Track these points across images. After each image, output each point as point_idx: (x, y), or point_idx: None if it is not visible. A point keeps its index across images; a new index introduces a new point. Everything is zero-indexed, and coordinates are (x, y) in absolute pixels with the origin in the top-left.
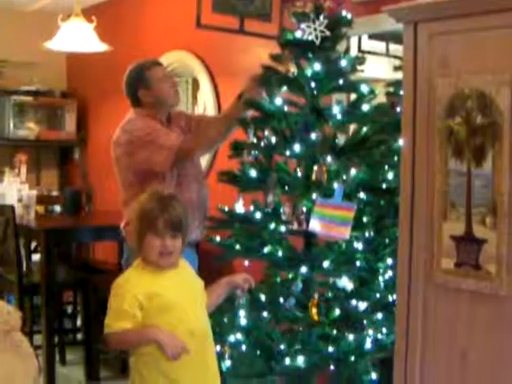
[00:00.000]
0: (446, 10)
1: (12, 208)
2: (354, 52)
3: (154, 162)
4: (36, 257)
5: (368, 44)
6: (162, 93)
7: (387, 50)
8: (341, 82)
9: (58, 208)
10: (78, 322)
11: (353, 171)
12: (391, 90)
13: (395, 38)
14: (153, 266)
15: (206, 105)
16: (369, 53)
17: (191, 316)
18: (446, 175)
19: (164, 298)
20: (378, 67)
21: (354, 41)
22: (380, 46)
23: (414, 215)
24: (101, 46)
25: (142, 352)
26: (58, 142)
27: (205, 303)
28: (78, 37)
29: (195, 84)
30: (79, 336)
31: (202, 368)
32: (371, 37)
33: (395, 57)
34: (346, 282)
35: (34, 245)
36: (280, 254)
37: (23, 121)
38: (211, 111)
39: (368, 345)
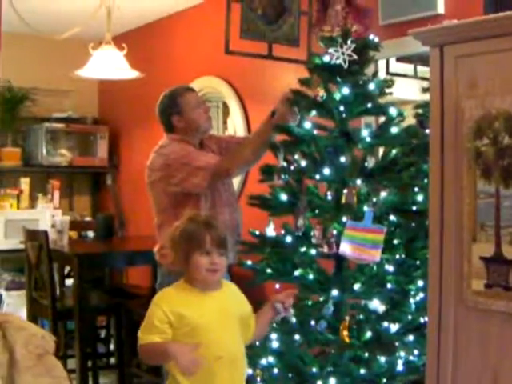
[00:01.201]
0: (472, 31)
1: (45, 233)
2: (382, 75)
3: (191, 183)
4: (69, 282)
5: (396, 66)
6: (194, 118)
7: (415, 71)
8: (369, 105)
9: (90, 233)
10: (112, 347)
11: (382, 194)
12: (420, 111)
13: (423, 59)
14: (196, 285)
15: (236, 129)
16: (397, 75)
17: (220, 341)
18: (475, 196)
19: (192, 321)
20: (407, 89)
21: (382, 63)
22: (408, 68)
23: (443, 237)
24: (132, 73)
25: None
26: (91, 168)
27: (249, 328)
28: (109, 64)
29: (225, 109)
30: (112, 360)
31: None
32: (399, 59)
33: (423, 78)
34: (377, 305)
35: (67, 270)
36: (311, 277)
37: (56, 147)
38: (242, 135)
39: (400, 367)
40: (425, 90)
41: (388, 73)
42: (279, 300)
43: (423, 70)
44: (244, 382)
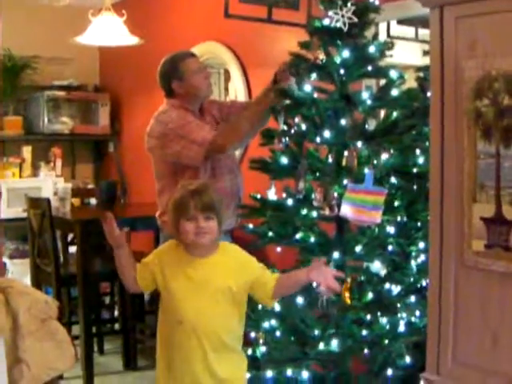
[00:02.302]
0: None
1: (48, 201)
2: (382, 38)
3: (184, 156)
4: (73, 249)
5: (397, 29)
6: (195, 84)
7: (416, 34)
8: (370, 68)
9: (93, 200)
10: (116, 313)
11: (383, 156)
12: (421, 75)
13: (424, 22)
14: (187, 249)
15: (237, 94)
16: (398, 38)
17: (183, 307)
18: (475, 157)
19: (165, 281)
20: (409, 53)
21: (382, 27)
22: (409, 31)
23: (444, 198)
24: (132, 39)
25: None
26: (93, 136)
27: (262, 288)
28: (108, 31)
29: (226, 75)
30: (117, 326)
31: (187, 360)
32: (400, 22)
33: (424, 41)
34: (378, 267)
35: (70, 237)
36: (312, 239)
37: (57, 115)
38: (243, 100)
39: (401, 328)
40: (426, 53)
41: (389, 36)
42: (319, 281)
43: (425, 33)
44: (211, 353)
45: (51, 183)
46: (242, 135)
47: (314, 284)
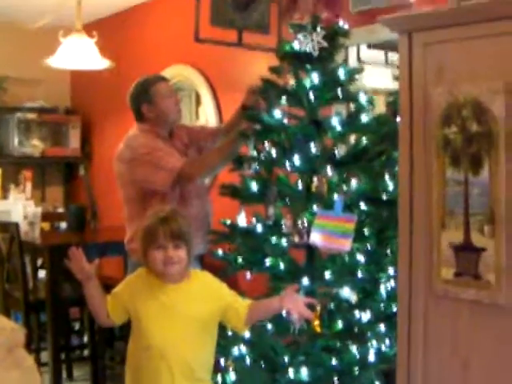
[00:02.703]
0: (440, 19)
1: (16, 225)
2: (353, 62)
3: (152, 181)
4: (42, 273)
5: (367, 53)
6: (164, 109)
7: (386, 59)
8: (339, 92)
9: (63, 224)
10: (85, 339)
11: (353, 182)
12: (391, 99)
13: (394, 47)
14: (157, 277)
15: (207, 118)
16: (368, 63)
17: (152, 332)
18: (444, 184)
19: (136, 307)
20: (379, 77)
21: (353, 51)
22: (379, 55)
23: (413, 225)
24: (103, 63)
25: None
26: (63, 159)
27: (234, 315)
28: (79, 53)
29: (198, 98)
30: (86, 352)
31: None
32: (370, 46)
33: (394, 65)
34: (348, 293)
35: (40, 261)
36: (282, 266)
37: (28, 138)
38: (213, 124)
39: (371, 356)
40: (396, 78)
41: (359, 60)
42: (291, 310)
43: (394, 58)
44: (180, 379)
45: (21, 207)
46: (212, 167)
47: (284, 312)
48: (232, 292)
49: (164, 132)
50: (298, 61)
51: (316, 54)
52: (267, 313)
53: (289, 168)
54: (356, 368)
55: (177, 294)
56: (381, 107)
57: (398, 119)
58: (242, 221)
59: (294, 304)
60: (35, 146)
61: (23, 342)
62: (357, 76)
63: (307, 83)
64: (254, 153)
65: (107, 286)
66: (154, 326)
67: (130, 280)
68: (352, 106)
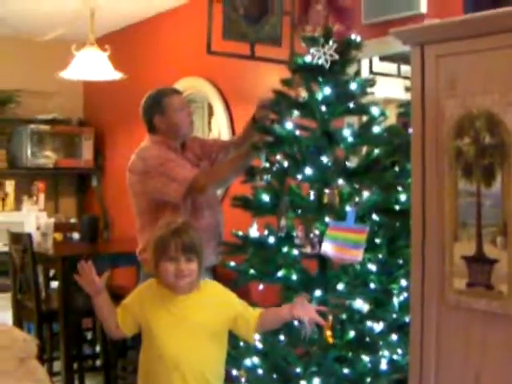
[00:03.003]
0: (452, 31)
1: (29, 236)
2: (365, 74)
3: (164, 193)
4: (55, 284)
5: (380, 65)
6: (176, 121)
7: (399, 71)
8: (351, 104)
9: (76, 235)
10: (97, 348)
11: (365, 193)
12: (401, 110)
13: (406, 59)
14: (168, 288)
15: (220, 129)
16: (380, 74)
17: (164, 342)
18: (456, 196)
19: (148, 318)
20: (392, 88)
21: (365, 63)
22: (392, 67)
23: (425, 236)
24: (115, 75)
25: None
26: (76, 170)
27: (245, 324)
28: (92, 66)
29: (210, 109)
30: (98, 362)
31: None
32: (382, 58)
33: (406, 77)
34: (360, 304)
35: (52, 272)
36: (294, 277)
37: (41, 149)
38: (225, 136)
39: (384, 366)
40: (408, 89)
41: (371, 72)
42: (303, 316)
43: (407, 70)
44: None
45: (34, 218)
46: (224, 178)
47: (296, 321)
48: (242, 301)
49: (176, 144)
50: (310, 73)
51: (328, 66)
52: (277, 321)
53: (301, 179)
54: (368, 378)
55: (187, 304)
56: (393, 118)
57: (410, 130)
58: (254, 232)
59: (305, 311)
60: (48, 157)
61: (35, 353)
62: (369, 89)
63: (319, 96)
64: (267, 164)
65: (119, 296)
66: (165, 336)
67: (140, 291)
68: (364, 117)
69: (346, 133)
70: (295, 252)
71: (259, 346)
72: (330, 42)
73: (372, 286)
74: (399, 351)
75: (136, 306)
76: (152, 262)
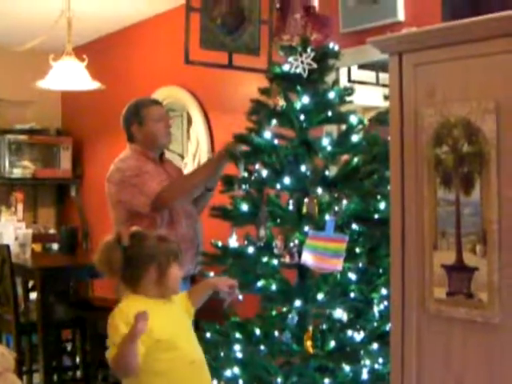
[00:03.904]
0: (430, 39)
1: (7, 247)
2: (344, 82)
3: (134, 204)
4: (34, 295)
5: (358, 74)
6: (153, 131)
7: (377, 79)
8: (329, 113)
9: (55, 246)
10: (78, 360)
11: (344, 202)
12: (373, 116)
13: (385, 67)
14: (154, 297)
15: (198, 139)
16: (359, 83)
17: (189, 346)
18: (435, 204)
19: (162, 333)
20: (370, 96)
21: (343, 71)
22: (370, 75)
23: (405, 245)
24: (93, 85)
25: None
26: (54, 180)
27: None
28: (70, 75)
29: (189, 118)
30: (79, 373)
31: None
32: (361, 67)
33: (385, 85)
34: (340, 314)
35: (31, 283)
36: (274, 287)
37: (19, 159)
38: (204, 145)
39: (365, 376)
40: (386, 98)
41: (350, 80)
42: (220, 287)
43: (385, 77)
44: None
45: (12, 229)
46: (186, 192)
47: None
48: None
49: (154, 154)
50: (288, 82)
51: (306, 75)
52: (203, 289)
53: (279, 189)
54: None
55: (173, 307)
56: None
57: (389, 138)
58: (233, 242)
59: (218, 280)
60: (26, 167)
61: (13, 366)
62: (347, 97)
63: (297, 105)
64: (245, 174)
65: (100, 307)
66: (185, 342)
67: (127, 319)
68: (343, 126)
69: (325, 142)
70: (275, 262)
71: (239, 356)
72: (308, 51)
73: (352, 295)
74: (380, 360)
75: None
76: (157, 270)
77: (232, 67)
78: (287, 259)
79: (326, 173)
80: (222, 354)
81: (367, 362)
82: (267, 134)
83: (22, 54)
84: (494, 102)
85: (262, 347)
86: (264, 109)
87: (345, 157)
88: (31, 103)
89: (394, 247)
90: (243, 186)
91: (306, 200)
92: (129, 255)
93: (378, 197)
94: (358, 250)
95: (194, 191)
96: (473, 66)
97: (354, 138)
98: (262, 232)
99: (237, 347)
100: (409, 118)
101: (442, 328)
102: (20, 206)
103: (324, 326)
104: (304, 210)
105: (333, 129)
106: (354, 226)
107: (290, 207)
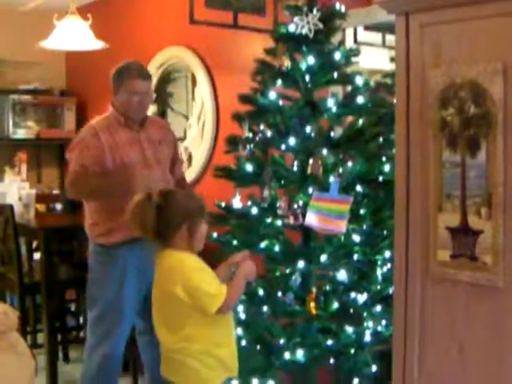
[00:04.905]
0: (437, 0)
1: (11, 207)
2: (350, 43)
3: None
4: (38, 255)
5: (364, 35)
6: (123, 102)
7: (383, 40)
8: (335, 74)
9: (59, 206)
10: (81, 320)
11: (349, 164)
12: (388, 80)
13: (391, 28)
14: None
15: (203, 99)
16: (365, 44)
17: None
18: (441, 166)
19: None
20: (376, 58)
21: (349, 32)
22: (376, 37)
23: (409, 207)
24: (97, 44)
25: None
26: (58, 140)
27: None
28: (73, 35)
29: (193, 80)
30: (82, 333)
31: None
32: (367, 28)
33: (391, 47)
34: (344, 275)
35: (35, 243)
36: (277, 248)
37: (23, 120)
38: (209, 106)
39: (367, 337)
40: (393, 60)
41: (356, 42)
42: (236, 261)
43: (392, 39)
44: None
45: (16, 189)
46: (86, 192)
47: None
48: None
49: (129, 121)
50: (294, 43)
51: (312, 35)
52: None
53: (284, 149)
54: (352, 349)
55: None
56: None
57: (395, 101)
58: (237, 203)
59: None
60: (30, 127)
61: (16, 325)
62: (353, 59)
63: (303, 65)
64: (249, 134)
65: None
66: None
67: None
68: (348, 87)
69: (330, 103)
70: (278, 223)
71: (242, 317)
72: (314, 11)
73: (356, 257)
74: (383, 322)
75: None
76: (188, 223)
77: (237, 27)
78: (291, 220)
79: (331, 134)
80: None
81: (370, 323)
82: (272, 95)
83: (26, 13)
84: (502, 64)
85: (265, 308)
86: (269, 69)
87: (350, 118)
88: (35, 64)
89: (398, 209)
90: (247, 147)
91: (310, 161)
92: (161, 213)
93: (383, 159)
94: (362, 211)
95: (86, 197)
96: (480, 27)
97: (360, 100)
98: (266, 193)
99: (240, 308)
100: (415, 80)
101: (446, 291)
102: (24, 167)
103: (327, 288)
104: (308, 171)
105: (338, 90)
106: (359, 188)
107: (295, 168)
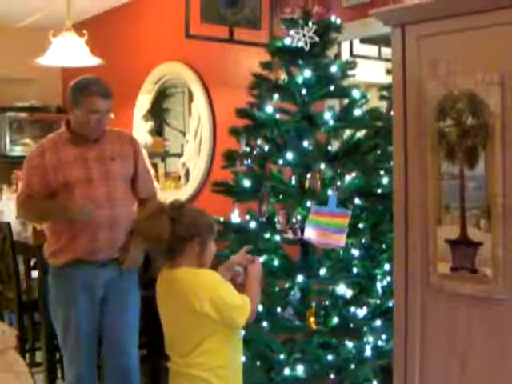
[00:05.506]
0: (433, 11)
1: (9, 225)
2: (346, 56)
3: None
4: (36, 273)
5: (360, 48)
6: (82, 120)
7: (379, 53)
8: (332, 87)
9: None
10: None
11: (347, 177)
12: (385, 94)
13: (387, 41)
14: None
15: (200, 115)
16: (361, 57)
17: None
18: (439, 178)
19: None
20: (373, 71)
21: (346, 45)
22: (372, 49)
23: (408, 220)
24: (93, 60)
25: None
26: None
27: None
28: (70, 51)
29: (190, 95)
30: None
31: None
32: (363, 41)
33: (388, 60)
34: (343, 290)
35: (33, 261)
36: (276, 263)
37: (20, 137)
38: (205, 121)
39: (368, 352)
40: (389, 72)
41: (352, 54)
42: (236, 262)
43: (388, 52)
44: None
45: (13, 206)
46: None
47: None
48: None
49: (78, 138)
50: (290, 56)
51: (308, 49)
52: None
53: (282, 164)
54: (352, 364)
55: None
56: (374, 101)
57: (392, 112)
58: (235, 218)
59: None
60: (27, 145)
61: (15, 344)
62: (350, 72)
63: (299, 79)
64: (247, 149)
65: None
66: None
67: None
68: (345, 100)
69: (327, 116)
70: (277, 237)
71: (242, 332)
72: (310, 24)
73: (355, 270)
74: (383, 337)
75: None
76: (200, 242)
77: (233, 41)
78: (290, 235)
79: (329, 147)
80: None
81: (370, 338)
82: (269, 109)
83: (22, 30)
84: (499, 75)
85: (265, 323)
86: (265, 83)
87: (347, 131)
88: (31, 80)
89: (397, 222)
90: (245, 162)
91: (308, 175)
92: (174, 226)
93: (381, 171)
94: (361, 225)
95: (39, 220)
96: (477, 38)
97: (357, 113)
98: (265, 207)
99: None
100: (412, 91)
101: (446, 304)
102: (21, 185)
103: (327, 302)
104: (307, 185)
105: (335, 103)
106: (357, 201)
107: (293, 182)
